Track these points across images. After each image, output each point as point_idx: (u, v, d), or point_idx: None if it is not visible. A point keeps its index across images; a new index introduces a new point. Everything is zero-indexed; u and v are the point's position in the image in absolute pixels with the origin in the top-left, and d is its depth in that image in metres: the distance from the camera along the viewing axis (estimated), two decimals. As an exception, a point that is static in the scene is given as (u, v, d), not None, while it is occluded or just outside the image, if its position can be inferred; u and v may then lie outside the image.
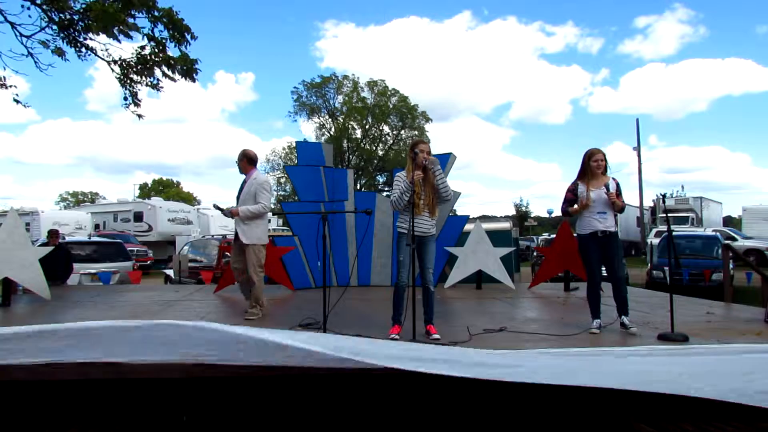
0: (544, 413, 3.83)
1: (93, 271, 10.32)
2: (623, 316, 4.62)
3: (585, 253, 4.75)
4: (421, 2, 73.83)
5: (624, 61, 69.55)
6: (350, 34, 63.38)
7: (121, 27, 7.92)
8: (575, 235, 4.88)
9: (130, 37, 8.49)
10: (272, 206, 5.07)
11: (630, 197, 28.15)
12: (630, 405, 3.74)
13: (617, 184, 4.72)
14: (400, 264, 4.42)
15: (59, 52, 8.61)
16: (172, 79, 8.99)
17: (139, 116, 9.54)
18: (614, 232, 4.67)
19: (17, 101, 9.01)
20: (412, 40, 62.22)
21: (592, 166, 4.67)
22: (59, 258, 8.49)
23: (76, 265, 9.54)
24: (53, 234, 9.45)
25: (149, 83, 9.16)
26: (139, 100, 9.42)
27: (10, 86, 8.84)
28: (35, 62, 8.59)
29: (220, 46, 70.93)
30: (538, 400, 3.74)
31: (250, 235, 5.45)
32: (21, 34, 8.43)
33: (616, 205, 4.59)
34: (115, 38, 8.22)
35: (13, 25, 8.31)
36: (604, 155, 4.70)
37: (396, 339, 4.22)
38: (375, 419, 3.79)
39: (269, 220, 5.61)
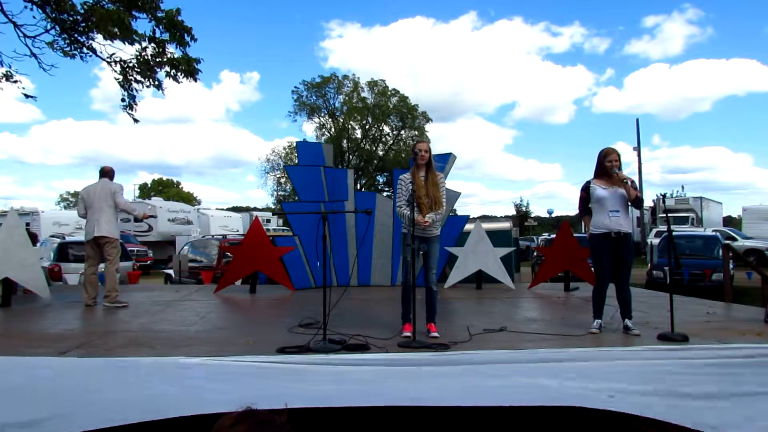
0: (544, 412, 3.82)
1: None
2: (626, 320, 4.62)
3: (596, 253, 4.73)
4: (427, 3, 73.94)
5: (630, 62, 69.66)
6: (355, 34, 63.63)
7: (121, 33, 7.94)
8: (589, 233, 4.86)
9: (132, 43, 8.50)
10: (80, 214, 6.64)
11: (630, 197, 28.07)
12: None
13: (632, 182, 4.73)
14: (407, 264, 4.46)
15: (69, 54, 8.61)
16: (177, 80, 9.00)
17: (135, 120, 9.54)
18: (627, 234, 4.66)
19: (27, 95, 9.04)
20: (418, 41, 62.33)
21: (606, 166, 4.68)
22: None
23: (75, 265, 9.49)
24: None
25: (152, 84, 9.16)
26: (136, 103, 9.43)
27: (16, 81, 8.84)
28: (38, 63, 8.59)
29: (225, 45, 71.24)
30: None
31: None
32: (25, 35, 8.43)
33: (630, 194, 4.59)
34: (121, 40, 8.24)
35: (16, 25, 8.30)
36: (618, 155, 4.72)
37: (408, 337, 4.23)
38: None
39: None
